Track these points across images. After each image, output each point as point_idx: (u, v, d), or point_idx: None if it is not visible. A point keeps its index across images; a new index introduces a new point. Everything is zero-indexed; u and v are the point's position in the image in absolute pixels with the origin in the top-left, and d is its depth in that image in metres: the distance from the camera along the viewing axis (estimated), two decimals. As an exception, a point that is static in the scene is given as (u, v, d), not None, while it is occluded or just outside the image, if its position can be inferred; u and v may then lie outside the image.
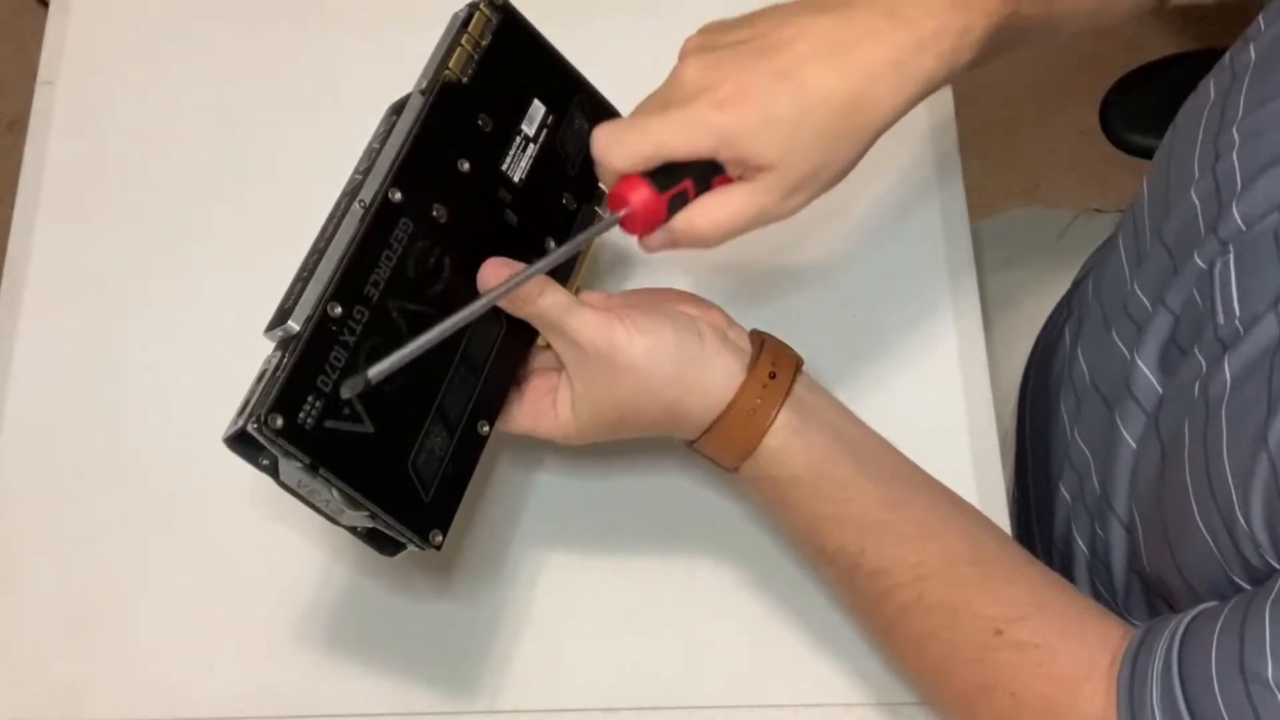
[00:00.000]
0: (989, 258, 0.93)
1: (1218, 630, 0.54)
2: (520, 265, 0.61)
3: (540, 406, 0.63)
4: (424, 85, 0.63)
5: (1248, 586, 0.58)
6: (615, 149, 0.59)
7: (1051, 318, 0.91)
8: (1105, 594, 0.75)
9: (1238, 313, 0.60)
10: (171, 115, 0.85)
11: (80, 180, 0.83)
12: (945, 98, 0.85)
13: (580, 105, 0.68)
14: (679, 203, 0.59)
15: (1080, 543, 0.77)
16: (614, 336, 0.60)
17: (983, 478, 0.75)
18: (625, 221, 0.59)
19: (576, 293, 0.65)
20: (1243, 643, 0.52)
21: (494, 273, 0.61)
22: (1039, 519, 0.84)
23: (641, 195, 0.58)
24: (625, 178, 0.59)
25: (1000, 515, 0.74)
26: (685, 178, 0.59)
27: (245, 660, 0.71)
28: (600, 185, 0.66)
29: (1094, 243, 0.92)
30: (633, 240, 0.61)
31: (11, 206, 0.81)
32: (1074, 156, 1.68)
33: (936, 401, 0.77)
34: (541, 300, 0.60)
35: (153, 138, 0.84)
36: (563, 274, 0.65)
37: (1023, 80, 1.71)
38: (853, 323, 0.79)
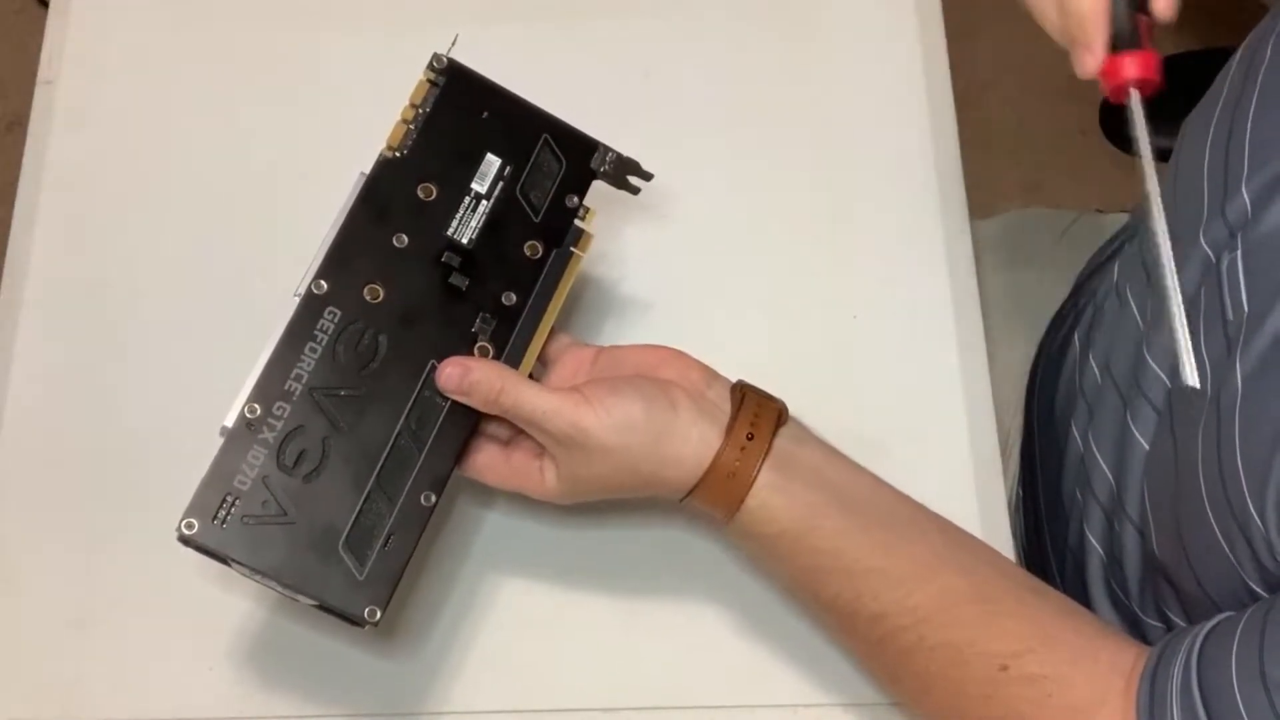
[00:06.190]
0: (989, 258, 0.93)
1: (1236, 640, 0.54)
2: (473, 360, 0.63)
3: (529, 470, 0.64)
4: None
5: (1261, 591, 0.57)
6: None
7: (1056, 320, 0.91)
8: (1120, 595, 0.74)
9: (1246, 309, 0.60)
10: (171, 115, 0.85)
11: (80, 180, 0.83)
12: (945, 97, 0.85)
13: (548, 145, 0.68)
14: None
15: (1095, 545, 0.76)
16: (582, 422, 0.60)
17: (982, 479, 0.75)
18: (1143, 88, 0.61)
19: (550, 335, 0.66)
20: (1263, 651, 0.52)
21: (451, 371, 0.62)
22: (1050, 523, 0.83)
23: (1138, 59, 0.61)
24: (1110, 59, 0.61)
25: (1000, 517, 0.74)
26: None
27: (245, 660, 0.71)
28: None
29: (1095, 243, 0.92)
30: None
31: (11, 206, 0.81)
32: (1074, 156, 1.68)
33: (937, 402, 0.77)
34: (502, 399, 0.61)
35: (153, 138, 0.84)
36: (538, 314, 0.66)
37: (1023, 80, 1.71)
38: (853, 323, 0.79)
